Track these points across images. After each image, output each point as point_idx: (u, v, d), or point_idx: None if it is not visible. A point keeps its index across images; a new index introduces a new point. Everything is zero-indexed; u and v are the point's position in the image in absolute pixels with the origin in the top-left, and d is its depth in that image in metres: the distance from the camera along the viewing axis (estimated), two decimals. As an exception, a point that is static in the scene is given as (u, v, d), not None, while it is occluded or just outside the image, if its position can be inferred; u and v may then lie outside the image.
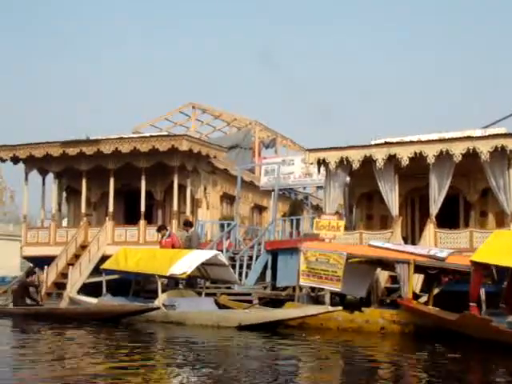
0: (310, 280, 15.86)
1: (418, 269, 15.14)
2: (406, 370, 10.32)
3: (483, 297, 15.37)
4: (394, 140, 19.44)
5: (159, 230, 21.35)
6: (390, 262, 15.60)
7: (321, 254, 15.65)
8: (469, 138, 18.44)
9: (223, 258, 18.34)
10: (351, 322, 14.86)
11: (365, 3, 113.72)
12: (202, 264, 17.60)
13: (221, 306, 17.26)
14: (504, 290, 13.63)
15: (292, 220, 22.73)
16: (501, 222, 19.32)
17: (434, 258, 14.70)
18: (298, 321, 15.20)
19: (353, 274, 15.76)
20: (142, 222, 23.63)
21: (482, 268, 12.57)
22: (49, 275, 22.32)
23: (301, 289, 17.37)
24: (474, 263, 12.49)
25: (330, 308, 14.90)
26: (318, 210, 27.27)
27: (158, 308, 16.41)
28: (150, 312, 16.44)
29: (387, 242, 16.85)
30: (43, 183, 26.00)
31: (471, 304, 12.16)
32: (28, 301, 20.15)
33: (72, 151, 24.12)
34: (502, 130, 19.30)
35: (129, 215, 25.18)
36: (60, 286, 21.98)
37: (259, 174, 26.83)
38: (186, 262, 16.79)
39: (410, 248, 16.08)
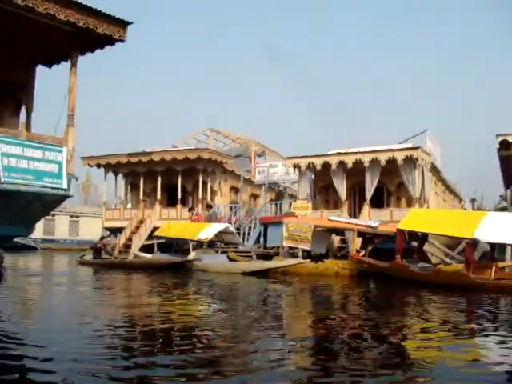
0: (290, 242, 16.19)
1: (359, 234, 15.48)
2: (351, 297, 10.73)
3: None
4: (343, 151, 19.77)
5: (190, 210, 21.84)
6: (341, 230, 15.93)
7: (297, 225, 15.97)
8: (390, 150, 18.81)
9: (232, 228, 18.60)
10: (316, 268, 15.16)
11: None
12: (219, 232, 17.83)
13: (231, 260, 17.50)
14: (417, 247, 13.92)
15: (276, 204, 22.95)
16: (409, 204, 19.71)
17: (370, 226, 15.04)
18: (282, 269, 15.50)
19: (317, 237, 16.09)
20: (179, 206, 23.81)
21: (402, 233, 12.85)
22: (120, 240, 22.53)
23: (283, 248, 17.65)
24: (398, 230, 12.81)
25: (303, 260, 15.18)
26: (292, 197, 27.46)
27: (191, 261, 16.67)
28: (185, 263, 16.74)
29: (339, 217, 17.15)
30: (115, 180, 26.06)
31: (397, 255, 12.45)
32: (105, 255, 20.36)
33: (134, 159, 24.30)
34: (410, 145, 19.69)
35: (170, 201, 25.27)
36: (127, 246, 22.16)
37: (254, 174, 27.04)
38: (208, 231, 17.05)
39: (354, 220, 16.41)
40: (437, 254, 16.69)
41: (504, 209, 19.37)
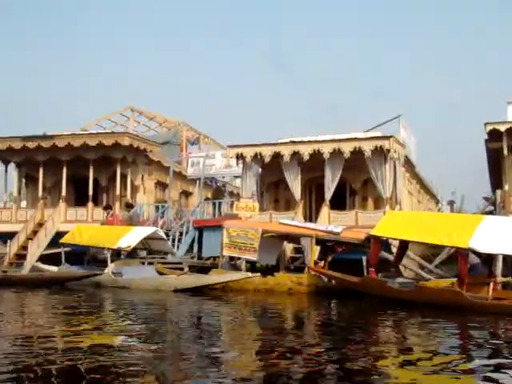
0: (231, 251, 15.82)
1: (317, 242, 15.30)
2: (309, 320, 10.51)
3: (364, 262, 15.72)
4: (298, 139, 19.61)
5: (105, 208, 21.23)
6: (296, 236, 15.70)
7: (241, 230, 15.62)
8: (356, 139, 18.80)
9: (162, 233, 18.01)
10: (265, 284, 14.87)
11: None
12: (145, 238, 17.27)
13: (160, 273, 16.94)
14: (394, 258, 13.83)
15: (215, 203, 22.56)
16: (377, 205, 19.84)
17: (331, 232, 14.90)
18: (223, 284, 15.11)
19: (266, 245, 15.80)
20: (90, 204, 22.94)
21: (378, 240, 12.68)
22: (11, 248, 21.46)
23: (223, 258, 17.24)
24: (374, 236, 12.66)
25: (250, 274, 14.81)
26: (232, 195, 27.20)
27: (101, 274, 16.12)
28: (98, 276, 16.13)
29: (293, 221, 16.96)
30: (5, 171, 24.85)
31: (371, 269, 12.30)
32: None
33: (31, 144, 23.21)
34: (379, 133, 19.79)
35: (78, 198, 24.34)
36: (21, 256, 21.14)
37: (186, 166, 26.59)
38: (131, 237, 16.47)
39: (311, 225, 16.26)
40: (411, 267, 16.79)
41: (490, 213, 19.77)
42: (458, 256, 11.35)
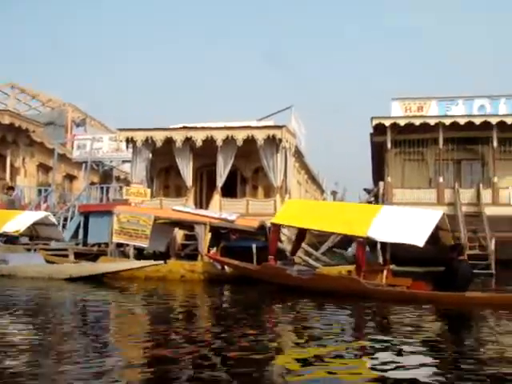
0: (121, 237, 15.16)
1: (211, 229, 15.10)
2: (203, 307, 10.34)
3: (254, 250, 15.76)
4: (191, 125, 19.32)
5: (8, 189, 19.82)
6: (189, 223, 15.42)
7: (132, 216, 15.03)
8: (249, 127, 18.83)
9: (53, 218, 16.89)
10: (157, 271, 14.36)
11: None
12: (33, 224, 16.11)
13: (49, 261, 15.93)
14: (292, 246, 13.87)
15: (102, 188, 21.72)
16: (267, 194, 20.05)
17: (226, 220, 14.76)
18: (122, 272, 14.33)
19: (157, 232, 15.37)
20: (-35, 186, 21.40)
21: (278, 228, 12.64)
22: None
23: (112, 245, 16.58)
24: (273, 224, 12.61)
25: (153, 262, 14.10)
26: (119, 180, 26.42)
27: None
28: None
29: (187, 207, 16.67)
30: None
31: (270, 256, 12.20)
32: None
33: None
34: (272, 122, 19.95)
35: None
36: None
37: (71, 148, 25.44)
38: (18, 222, 15.32)
39: (205, 212, 16.02)
40: (299, 255, 17.06)
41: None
42: (357, 244, 11.60)
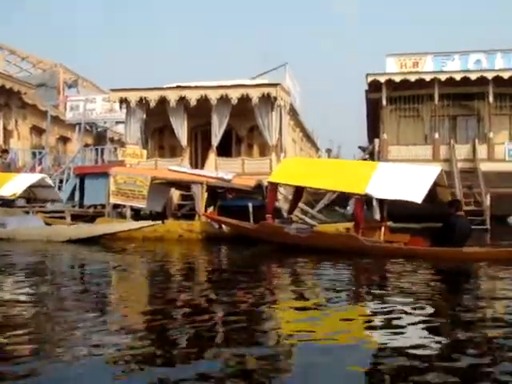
0: (118, 198, 15.11)
1: (208, 188, 15.07)
2: (202, 266, 10.39)
3: (251, 209, 15.76)
4: (184, 84, 19.08)
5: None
6: (186, 183, 15.37)
7: (129, 177, 14.96)
8: (243, 85, 18.61)
9: (49, 180, 16.67)
10: (155, 232, 14.34)
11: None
12: (30, 187, 15.96)
13: (47, 224, 15.87)
14: (290, 204, 13.81)
15: (97, 149, 21.56)
16: (263, 153, 19.99)
17: (222, 179, 14.71)
18: (122, 233, 14.25)
19: (154, 193, 15.33)
20: (-44, 150, 21.16)
21: (275, 187, 12.58)
22: None
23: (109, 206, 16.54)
24: (270, 183, 12.52)
25: (151, 222, 14.01)
26: (113, 141, 26.21)
27: None
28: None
29: (183, 167, 16.59)
30: None
31: (267, 215, 12.15)
32: None
33: None
34: (266, 80, 19.73)
35: None
36: None
37: (64, 110, 25.15)
38: (15, 185, 15.16)
39: (202, 172, 15.95)
40: (295, 213, 17.09)
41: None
42: (355, 202, 11.58)
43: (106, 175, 16.14)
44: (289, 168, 12.82)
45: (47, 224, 15.48)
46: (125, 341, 4.56)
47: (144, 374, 3.74)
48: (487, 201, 18.10)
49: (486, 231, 16.97)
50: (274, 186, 12.37)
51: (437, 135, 20.49)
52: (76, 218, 17.39)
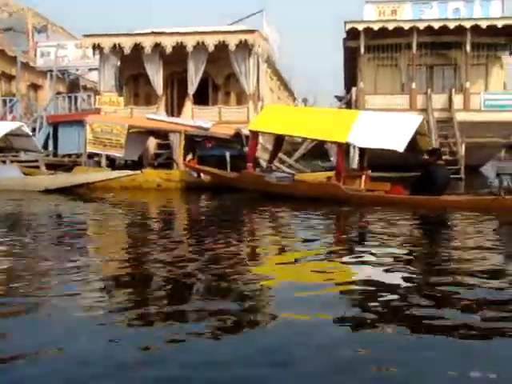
0: (96, 147, 14.90)
1: (185, 137, 14.92)
2: (186, 215, 10.46)
3: (228, 158, 15.71)
4: (160, 30, 18.65)
5: None
6: (163, 132, 15.20)
7: (105, 125, 14.73)
8: (220, 32, 18.28)
9: (27, 129, 16.21)
10: (133, 181, 14.21)
11: None
12: (6, 135, 15.51)
13: (25, 173, 15.54)
14: (271, 153, 13.73)
15: (70, 97, 21.08)
16: (240, 101, 19.83)
17: (201, 128, 14.57)
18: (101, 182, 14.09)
19: (131, 141, 15.15)
20: None
21: (256, 135, 12.46)
22: None
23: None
24: (251, 131, 12.38)
25: (129, 172, 13.89)
26: (86, 89, 25.59)
27: None
28: None
29: (161, 116, 16.39)
30: None
31: (248, 164, 12.06)
32: None
33: None
34: (243, 27, 19.39)
35: None
36: None
37: (34, 56, 24.41)
38: None
39: (180, 120, 15.79)
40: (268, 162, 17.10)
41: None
42: (337, 150, 11.58)
43: (80, 124, 15.90)
44: (270, 116, 12.70)
45: (25, 174, 15.21)
46: (101, 294, 4.43)
47: (120, 328, 3.61)
48: (462, 150, 18.29)
49: (461, 180, 17.19)
50: (255, 135, 12.25)
51: (414, 85, 20.46)
52: (51, 167, 17.11)
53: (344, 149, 11.25)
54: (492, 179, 19.22)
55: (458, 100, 20.04)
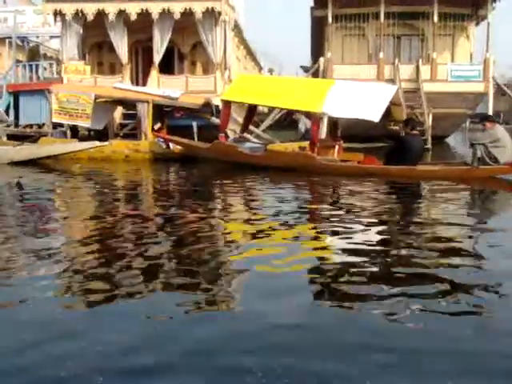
0: (61, 118, 14.47)
1: (153, 107, 14.58)
2: (147, 185, 10.27)
3: (195, 129, 15.49)
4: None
5: None
6: (131, 102, 14.82)
7: (71, 95, 14.28)
8: (187, -2, 17.87)
9: None
10: (100, 152, 13.84)
11: None
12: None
13: None
14: (243, 123, 13.49)
15: (31, 65, 20.40)
16: (206, 70, 19.59)
17: (169, 97, 14.25)
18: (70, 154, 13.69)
19: (97, 111, 14.75)
20: None
21: (229, 105, 12.20)
22: None
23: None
24: (223, 101, 12.14)
25: (98, 143, 13.59)
26: (47, 58, 24.84)
27: None
28: None
29: (128, 85, 16.01)
30: None
31: (220, 134, 11.85)
32: None
33: None
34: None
35: None
36: None
37: (-10, 22, 23.49)
38: None
39: (147, 89, 15.41)
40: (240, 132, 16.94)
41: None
42: (312, 120, 11.45)
43: (43, 93, 15.46)
44: (243, 86, 12.44)
45: None
46: (68, 274, 4.19)
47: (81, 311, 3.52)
48: (429, 121, 18.43)
49: (428, 150, 17.34)
50: (228, 104, 12.01)
51: (381, 55, 20.43)
52: (12, 138, 16.56)
53: (319, 119, 11.13)
54: (457, 149, 19.53)
55: (425, 70, 20.10)
